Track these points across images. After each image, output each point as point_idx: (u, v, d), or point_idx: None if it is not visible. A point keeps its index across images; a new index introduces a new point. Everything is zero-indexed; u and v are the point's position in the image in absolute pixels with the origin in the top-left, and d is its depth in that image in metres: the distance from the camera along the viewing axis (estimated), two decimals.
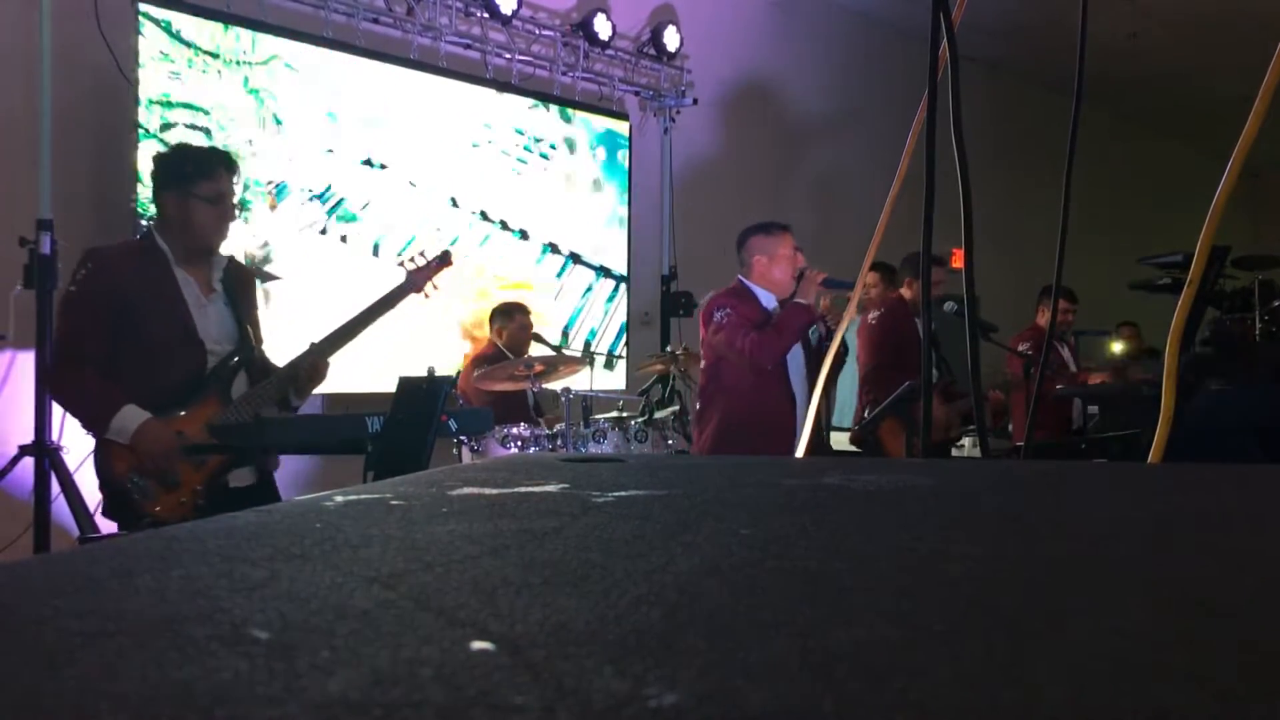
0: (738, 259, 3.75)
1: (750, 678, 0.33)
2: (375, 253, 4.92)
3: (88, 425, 2.49)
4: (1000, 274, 7.07)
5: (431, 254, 2.97)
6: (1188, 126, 10.63)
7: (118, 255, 2.59)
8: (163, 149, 2.86)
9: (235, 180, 2.69)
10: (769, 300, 3.62)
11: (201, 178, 2.58)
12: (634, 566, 0.49)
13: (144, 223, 3.98)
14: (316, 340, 2.71)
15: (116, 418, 2.41)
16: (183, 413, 2.49)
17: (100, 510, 2.57)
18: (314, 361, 2.68)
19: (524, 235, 5.62)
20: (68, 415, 3.55)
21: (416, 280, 2.88)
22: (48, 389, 2.53)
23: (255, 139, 4.47)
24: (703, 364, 3.74)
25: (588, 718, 0.29)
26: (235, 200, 2.69)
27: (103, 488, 2.50)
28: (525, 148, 5.62)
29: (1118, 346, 7.61)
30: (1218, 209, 1.32)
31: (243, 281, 2.76)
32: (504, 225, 5.52)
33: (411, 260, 2.90)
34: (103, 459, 2.45)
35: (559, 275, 5.81)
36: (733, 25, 6.97)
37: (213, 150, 2.72)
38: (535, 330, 4.94)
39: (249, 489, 2.60)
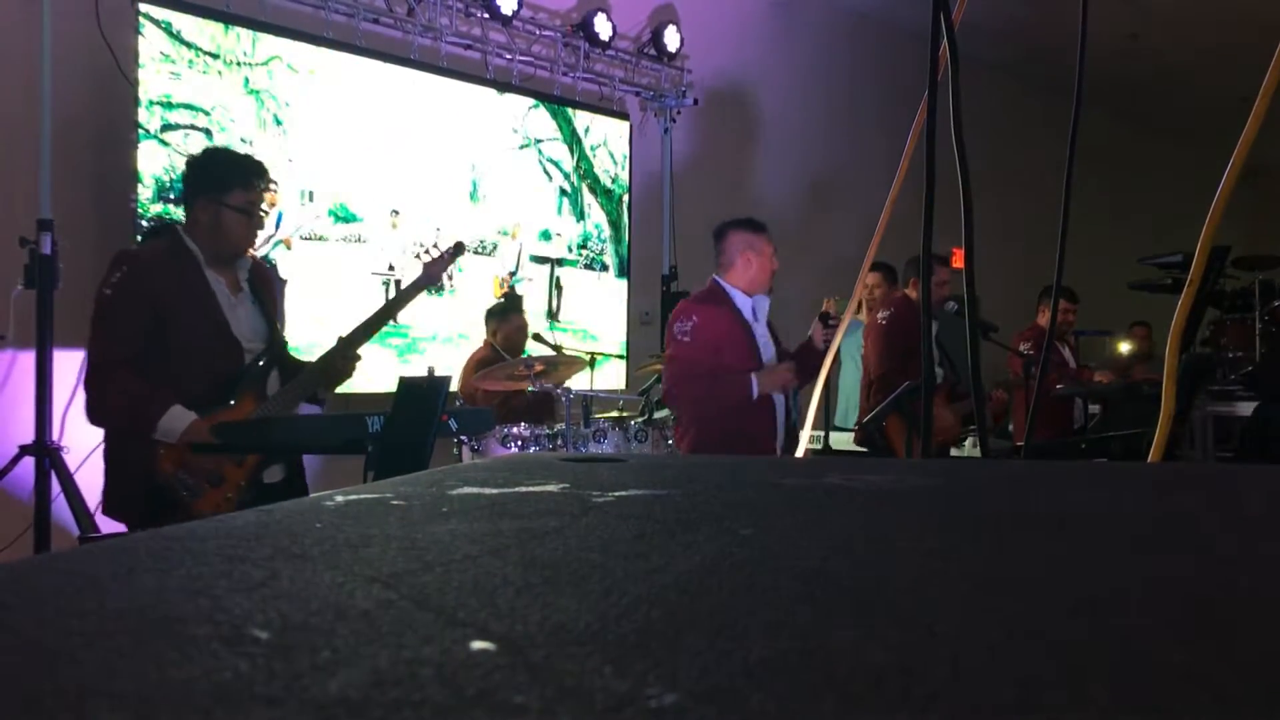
0: (716, 251, 3.63)
1: (750, 678, 0.33)
2: (376, 253, 4.92)
3: (133, 426, 2.48)
4: (1001, 274, 7.07)
5: (444, 245, 2.99)
6: (1188, 126, 10.62)
7: (150, 257, 2.62)
8: (199, 151, 2.87)
9: (266, 189, 2.72)
10: (744, 302, 3.55)
11: (237, 187, 2.61)
12: (634, 566, 0.49)
13: (144, 222, 3.98)
14: (344, 334, 2.74)
15: (165, 418, 2.42)
16: (224, 410, 2.51)
17: (100, 508, 2.57)
18: (346, 354, 2.71)
19: (523, 234, 5.63)
20: (67, 415, 3.58)
21: (433, 272, 2.91)
22: (88, 392, 2.52)
23: (255, 139, 4.47)
24: (665, 369, 3.68)
25: (588, 718, 0.29)
26: (264, 208, 2.72)
27: (126, 485, 2.50)
28: (523, 147, 5.62)
29: (1125, 346, 7.62)
30: (1218, 209, 1.32)
31: (266, 280, 2.81)
32: (504, 225, 5.52)
33: (427, 253, 2.93)
34: (146, 458, 2.44)
35: (557, 274, 5.81)
36: (733, 25, 6.96)
37: (247, 159, 2.73)
38: (534, 330, 4.95)
39: (280, 484, 2.64)
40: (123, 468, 2.52)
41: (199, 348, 2.53)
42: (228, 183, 2.61)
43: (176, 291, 2.52)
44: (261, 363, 2.64)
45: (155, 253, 2.64)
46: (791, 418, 3.57)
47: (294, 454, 2.67)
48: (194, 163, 2.73)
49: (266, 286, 2.78)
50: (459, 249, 2.99)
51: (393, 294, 4.85)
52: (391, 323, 4.91)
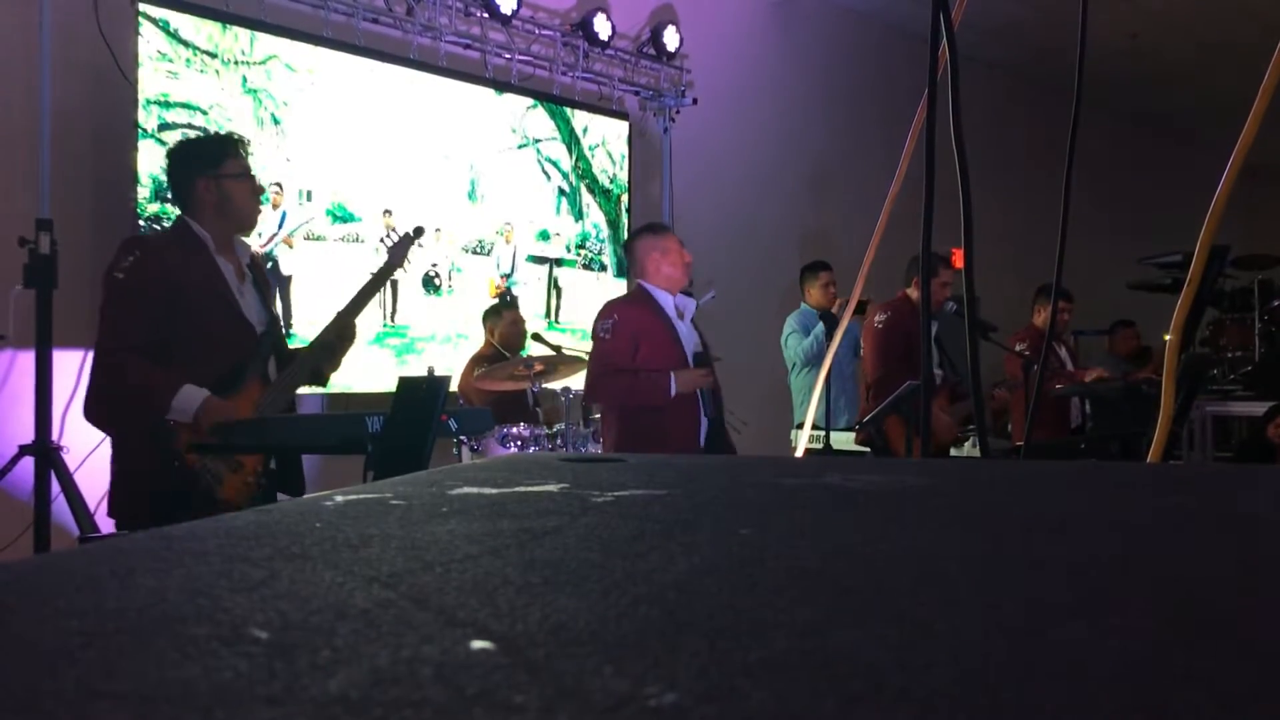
0: (630, 262, 3.88)
1: (750, 678, 0.33)
2: (374, 253, 4.92)
3: (144, 410, 2.47)
4: (1000, 274, 7.07)
5: (402, 230, 3.04)
6: (1188, 126, 10.62)
7: (162, 243, 2.65)
8: (172, 145, 2.89)
9: (250, 154, 2.78)
10: (666, 300, 3.70)
11: (227, 157, 2.66)
12: (634, 566, 0.49)
13: (142, 222, 3.98)
14: (338, 311, 2.79)
15: (178, 397, 2.42)
16: (233, 394, 2.52)
17: (108, 510, 2.57)
18: (342, 331, 2.75)
19: (517, 236, 5.62)
20: (67, 415, 3.57)
21: (397, 257, 2.93)
22: (96, 379, 2.51)
23: (253, 139, 4.46)
24: (588, 367, 3.80)
25: (588, 718, 0.29)
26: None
27: (136, 487, 2.48)
28: (521, 147, 5.62)
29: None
30: (1218, 209, 1.32)
31: (260, 268, 2.86)
32: (504, 225, 5.52)
33: (388, 238, 2.97)
34: (166, 454, 2.42)
35: (555, 274, 5.81)
36: (733, 25, 6.96)
37: (224, 134, 2.83)
38: (534, 330, 4.96)
39: (279, 470, 2.66)
40: (134, 471, 2.49)
41: (212, 332, 2.54)
42: (219, 156, 2.65)
43: (188, 276, 2.54)
44: (266, 344, 2.67)
45: (164, 239, 2.68)
46: (709, 414, 3.67)
47: (294, 453, 2.67)
48: (177, 151, 2.75)
49: (262, 274, 2.82)
50: (419, 232, 3.03)
51: (389, 294, 4.87)
52: (389, 323, 4.92)
